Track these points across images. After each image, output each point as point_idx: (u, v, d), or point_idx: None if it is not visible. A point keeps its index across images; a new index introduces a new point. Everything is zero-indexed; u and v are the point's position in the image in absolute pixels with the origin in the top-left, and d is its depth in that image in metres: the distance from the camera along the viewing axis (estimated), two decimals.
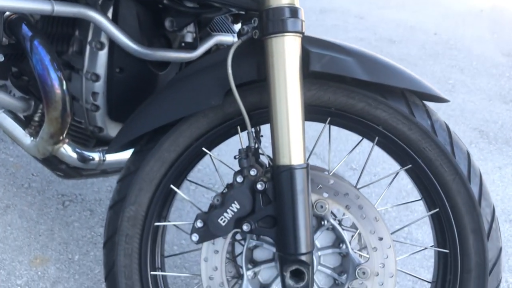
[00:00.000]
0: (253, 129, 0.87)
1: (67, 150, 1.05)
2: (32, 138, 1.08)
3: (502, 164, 1.99)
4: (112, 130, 1.12)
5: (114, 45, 1.03)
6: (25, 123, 1.14)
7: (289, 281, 0.81)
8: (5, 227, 1.41)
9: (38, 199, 1.53)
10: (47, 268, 1.29)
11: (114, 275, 0.91)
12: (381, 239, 0.85)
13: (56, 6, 0.91)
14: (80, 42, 1.07)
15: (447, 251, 0.87)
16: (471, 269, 0.85)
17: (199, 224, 0.84)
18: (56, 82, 0.94)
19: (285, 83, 0.79)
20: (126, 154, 1.12)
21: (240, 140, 0.90)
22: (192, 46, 1.11)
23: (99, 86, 1.06)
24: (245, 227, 0.82)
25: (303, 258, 0.80)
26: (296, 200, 0.79)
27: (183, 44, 1.08)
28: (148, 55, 1.03)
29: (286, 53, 0.79)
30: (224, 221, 0.82)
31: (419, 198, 0.93)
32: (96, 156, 1.08)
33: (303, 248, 0.79)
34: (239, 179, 0.83)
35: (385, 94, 0.85)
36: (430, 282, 0.94)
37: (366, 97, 0.85)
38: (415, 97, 0.87)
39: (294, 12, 0.79)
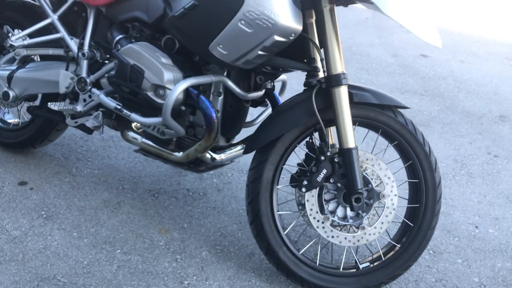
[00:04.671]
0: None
1: (206, 155, 1.81)
2: (178, 152, 1.81)
3: None
4: (221, 142, 1.89)
5: (227, 92, 1.80)
6: (163, 143, 1.86)
7: (354, 203, 1.68)
8: (127, 215, 2.09)
9: (135, 195, 2.22)
10: (172, 233, 2.01)
11: (259, 218, 1.71)
12: (389, 178, 1.75)
13: (214, 77, 1.68)
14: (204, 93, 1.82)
15: (417, 180, 1.79)
16: (429, 188, 1.78)
17: (305, 182, 1.68)
18: (214, 115, 1.69)
19: (341, 108, 1.65)
20: (229, 156, 1.90)
21: (314, 141, 1.74)
22: (261, 87, 1.91)
23: (218, 117, 1.82)
24: (331, 180, 1.67)
25: (360, 190, 1.67)
26: (354, 164, 1.66)
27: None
28: (246, 96, 1.83)
29: (342, 94, 1.64)
30: (319, 179, 1.66)
31: (403, 162, 1.83)
32: (218, 157, 1.85)
33: (359, 186, 1.67)
34: (322, 157, 1.68)
35: (383, 108, 1.75)
36: (407, 199, 1.86)
37: (374, 111, 1.74)
38: (395, 108, 1.78)
39: (344, 75, 1.64)
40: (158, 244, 1.94)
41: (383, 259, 1.79)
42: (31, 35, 2.05)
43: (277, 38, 1.54)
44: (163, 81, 1.62)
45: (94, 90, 1.91)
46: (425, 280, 1.92)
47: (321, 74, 1.74)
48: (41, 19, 2.07)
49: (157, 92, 1.65)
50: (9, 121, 2.44)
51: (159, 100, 1.64)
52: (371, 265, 1.79)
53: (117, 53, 1.68)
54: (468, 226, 2.27)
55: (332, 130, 1.83)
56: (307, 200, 1.72)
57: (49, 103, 1.94)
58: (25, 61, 2.18)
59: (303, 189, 1.68)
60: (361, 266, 1.78)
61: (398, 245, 1.80)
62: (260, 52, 1.58)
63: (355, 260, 1.80)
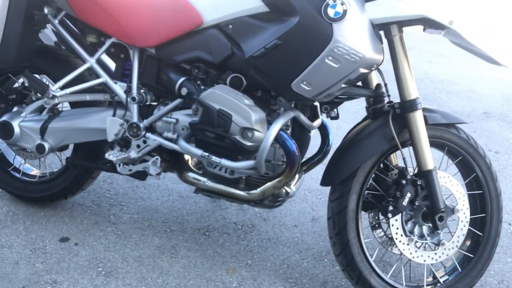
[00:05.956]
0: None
1: (282, 189, 1.78)
2: (255, 189, 1.76)
3: None
4: None
5: (295, 125, 1.78)
6: (233, 183, 1.81)
7: (437, 222, 1.73)
8: (187, 259, 2.01)
9: (187, 237, 2.13)
10: (240, 272, 1.96)
11: (348, 248, 1.71)
12: (460, 193, 1.81)
13: (293, 113, 1.67)
14: None
15: (481, 191, 1.87)
16: (493, 197, 1.87)
17: (391, 208, 1.70)
18: (296, 150, 1.66)
19: (418, 131, 1.69)
20: (297, 186, 1.89)
21: (390, 162, 1.77)
22: (318, 115, 1.91)
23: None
24: (416, 203, 1.71)
25: (442, 209, 1.72)
26: (436, 185, 1.71)
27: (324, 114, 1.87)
28: (313, 127, 1.82)
29: (418, 118, 1.68)
30: (405, 203, 1.70)
31: (463, 177, 1.90)
32: (290, 190, 1.82)
33: (442, 205, 1.72)
34: (404, 181, 1.71)
35: (448, 126, 1.81)
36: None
37: (440, 130, 1.80)
38: (457, 125, 1.84)
39: (419, 99, 1.69)
40: (232, 286, 1.89)
41: (460, 270, 1.85)
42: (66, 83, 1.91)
43: (362, 70, 1.55)
44: (252, 123, 1.58)
45: (150, 135, 1.82)
46: (488, 283, 2.01)
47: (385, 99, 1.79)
48: (70, 65, 1.95)
49: (245, 135, 1.60)
50: (31, 173, 2.26)
51: (247, 143, 1.60)
52: (449, 278, 1.85)
53: (201, 99, 1.61)
54: (502, 224, 2.40)
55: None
56: (392, 225, 1.74)
57: (106, 154, 1.82)
58: (53, 109, 2.03)
59: (390, 215, 1.70)
60: (441, 280, 1.84)
61: (472, 255, 1.87)
62: (343, 85, 1.59)
63: (433, 275, 1.85)
